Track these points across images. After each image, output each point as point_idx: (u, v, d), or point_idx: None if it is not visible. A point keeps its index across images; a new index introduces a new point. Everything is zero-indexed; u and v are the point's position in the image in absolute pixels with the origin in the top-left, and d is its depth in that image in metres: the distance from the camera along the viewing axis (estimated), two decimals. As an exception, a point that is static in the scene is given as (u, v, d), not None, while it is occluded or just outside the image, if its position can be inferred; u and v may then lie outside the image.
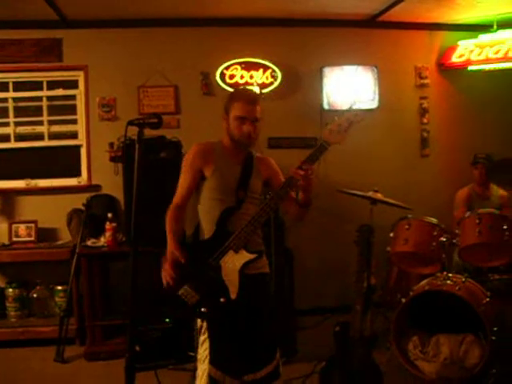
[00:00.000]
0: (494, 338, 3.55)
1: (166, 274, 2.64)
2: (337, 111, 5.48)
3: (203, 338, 2.71)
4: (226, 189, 2.76)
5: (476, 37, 5.65)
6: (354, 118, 2.60)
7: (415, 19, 5.67)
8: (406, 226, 4.06)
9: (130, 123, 2.14)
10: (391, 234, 4.15)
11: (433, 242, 3.98)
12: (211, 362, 2.64)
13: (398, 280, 4.96)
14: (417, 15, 5.55)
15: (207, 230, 2.74)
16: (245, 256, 2.60)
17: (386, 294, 4.95)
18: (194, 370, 2.84)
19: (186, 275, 2.62)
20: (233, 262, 2.60)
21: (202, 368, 2.68)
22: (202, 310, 2.59)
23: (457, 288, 3.71)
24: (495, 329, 3.61)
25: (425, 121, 5.92)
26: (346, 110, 2.62)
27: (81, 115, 5.50)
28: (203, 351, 2.70)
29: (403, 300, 3.84)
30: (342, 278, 5.33)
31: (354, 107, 2.63)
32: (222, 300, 2.56)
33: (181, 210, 2.79)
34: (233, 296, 2.57)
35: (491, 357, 3.56)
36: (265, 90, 5.47)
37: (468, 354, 3.70)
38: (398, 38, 5.82)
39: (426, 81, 5.89)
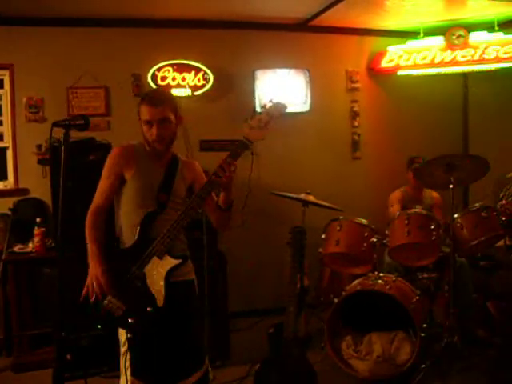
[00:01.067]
0: (423, 334, 3.66)
1: (96, 288, 2.48)
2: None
3: (124, 349, 2.59)
4: (146, 192, 2.64)
5: (404, 43, 5.82)
6: (274, 111, 2.51)
7: (345, 24, 5.79)
8: (338, 228, 4.13)
9: (55, 124, 2.07)
10: (323, 236, 4.21)
11: (364, 243, 4.07)
12: (133, 374, 2.54)
13: (331, 281, 5.04)
14: (347, 20, 5.66)
15: (128, 236, 2.61)
16: (169, 262, 2.51)
17: (319, 295, 5.02)
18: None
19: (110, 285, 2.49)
20: (157, 269, 2.49)
21: (124, 380, 2.58)
22: (129, 320, 2.46)
23: (388, 287, 3.80)
24: (424, 325, 3.73)
25: (356, 124, 6.04)
26: (267, 104, 2.53)
27: (6, 116, 5.30)
28: (124, 362, 2.58)
29: (336, 300, 3.90)
30: (276, 279, 5.37)
31: (274, 101, 2.52)
32: (148, 309, 2.46)
33: (102, 214, 2.64)
34: (160, 304, 2.47)
35: (421, 352, 3.67)
36: (197, 93, 5.44)
37: (399, 350, 3.80)
38: (330, 43, 5.91)
39: (356, 85, 6.01)
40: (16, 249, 4.62)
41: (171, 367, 2.59)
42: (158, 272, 2.49)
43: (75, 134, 2.16)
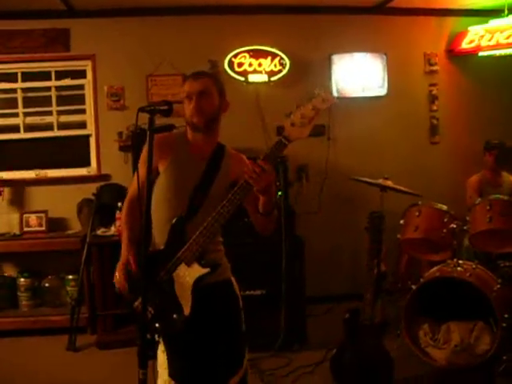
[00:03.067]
0: (504, 324, 3.54)
1: (117, 281, 2.39)
2: (346, 99, 5.48)
3: (159, 349, 2.45)
4: (179, 188, 2.38)
5: (486, 22, 5.58)
6: (320, 106, 2.08)
7: (424, 5, 5.63)
8: (417, 213, 4.05)
9: (141, 110, 2.08)
10: (401, 221, 4.14)
11: (443, 229, 3.97)
12: (170, 375, 2.42)
13: (409, 267, 4.96)
14: (426, 1, 5.50)
15: (157, 235, 2.41)
16: (197, 270, 2.28)
17: (396, 281, 4.95)
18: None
19: (140, 287, 2.26)
20: (185, 277, 2.29)
21: (163, 378, 2.46)
22: (156, 325, 2.31)
23: (467, 275, 3.71)
24: (506, 316, 3.61)
25: (434, 108, 5.89)
26: (312, 96, 2.09)
27: (89, 105, 5.51)
28: (163, 358, 2.45)
29: (414, 287, 3.84)
30: (352, 265, 5.35)
31: (321, 91, 2.10)
32: (174, 316, 2.30)
33: (136, 202, 2.40)
34: (186, 312, 2.29)
35: (502, 343, 3.55)
36: (273, 78, 5.46)
37: (479, 340, 3.71)
38: (408, 25, 5.77)
39: (435, 67, 5.85)
40: (99, 232, 4.83)
41: (206, 371, 2.42)
42: (185, 280, 2.30)
43: (155, 121, 2.19)
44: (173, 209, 2.37)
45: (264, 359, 4.10)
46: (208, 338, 2.41)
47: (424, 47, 5.85)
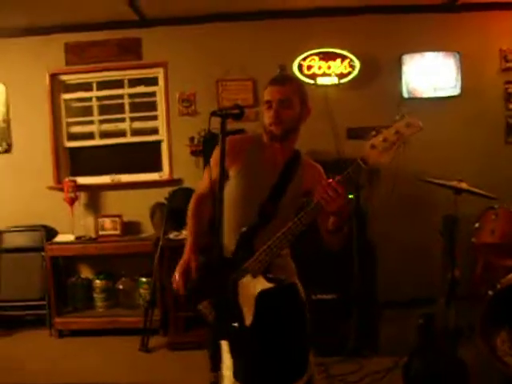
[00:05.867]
0: None
1: (175, 281, 2.45)
2: (417, 99, 5.36)
3: (226, 348, 2.43)
4: (250, 195, 2.35)
5: None
6: (404, 131, 1.98)
7: (500, -1, 5.43)
8: (493, 217, 3.92)
9: (213, 114, 2.09)
10: (476, 225, 4.03)
11: (521, 233, 3.83)
12: (234, 376, 2.40)
13: (484, 272, 4.77)
14: (500, -5, 5.31)
15: (227, 240, 2.28)
16: (262, 283, 2.25)
17: (471, 287, 4.79)
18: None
19: (206, 290, 2.34)
20: (249, 288, 2.27)
21: (231, 380, 2.44)
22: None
23: (548, 281, 3.54)
24: None
25: (511, 107, 5.66)
26: (397, 119, 2.01)
27: (161, 111, 5.64)
28: (227, 359, 2.43)
29: (490, 293, 3.70)
30: (424, 268, 5.21)
31: (407, 115, 1.99)
32: (235, 324, 2.28)
33: (204, 202, 2.47)
34: (247, 322, 2.27)
35: None
36: (343, 80, 5.41)
37: (561, 350, 3.54)
38: (482, 21, 5.56)
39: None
40: (171, 236, 4.91)
41: (268, 375, 2.39)
42: (248, 291, 2.27)
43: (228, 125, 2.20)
44: (243, 216, 2.35)
45: (334, 364, 4.05)
46: (271, 342, 2.38)
47: (500, 43, 5.61)
